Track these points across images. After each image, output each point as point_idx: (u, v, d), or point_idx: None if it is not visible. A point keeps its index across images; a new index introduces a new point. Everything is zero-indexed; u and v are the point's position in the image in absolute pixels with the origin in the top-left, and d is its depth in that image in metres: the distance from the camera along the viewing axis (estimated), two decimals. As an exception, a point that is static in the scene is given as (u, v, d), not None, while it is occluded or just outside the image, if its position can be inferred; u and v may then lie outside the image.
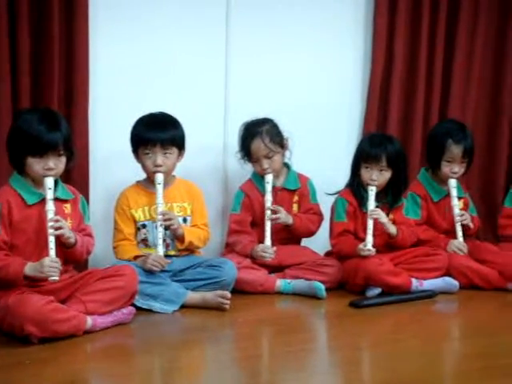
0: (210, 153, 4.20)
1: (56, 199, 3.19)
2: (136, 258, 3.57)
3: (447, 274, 3.88)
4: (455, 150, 4.04)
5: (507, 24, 4.59)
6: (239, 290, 3.68)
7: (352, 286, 3.79)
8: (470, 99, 4.58)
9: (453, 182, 4.05)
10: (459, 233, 4.02)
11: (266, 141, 3.89)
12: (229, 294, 3.49)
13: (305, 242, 4.08)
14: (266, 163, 3.90)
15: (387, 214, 3.86)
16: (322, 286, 3.68)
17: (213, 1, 4.14)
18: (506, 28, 4.60)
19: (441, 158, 4.05)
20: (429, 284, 3.82)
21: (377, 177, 3.83)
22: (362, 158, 3.88)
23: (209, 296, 3.49)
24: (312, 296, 3.70)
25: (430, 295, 3.78)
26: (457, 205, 4.05)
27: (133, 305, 3.32)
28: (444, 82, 4.53)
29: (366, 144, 3.93)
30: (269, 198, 3.85)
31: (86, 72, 3.80)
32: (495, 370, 2.90)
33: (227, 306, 3.47)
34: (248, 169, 4.03)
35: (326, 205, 4.05)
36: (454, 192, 4.05)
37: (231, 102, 4.20)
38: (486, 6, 4.54)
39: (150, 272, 3.48)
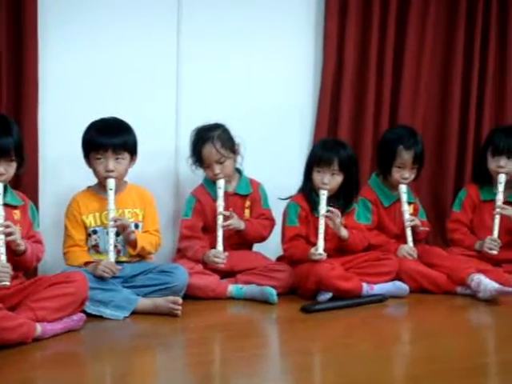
0: (161, 158, 4.19)
1: (5, 205, 3.16)
2: (87, 264, 3.54)
3: (397, 278, 3.92)
4: (406, 155, 4.08)
5: (456, 29, 4.65)
6: (191, 295, 3.67)
7: (303, 291, 3.81)
8: (419, 104, 4.64)
9: (403, 188, 4.10)
10: (409, 238, 4.07)
11: (217, 146, 3.89)
12: (180, 300, 3.47)
13: (256, 247, 4.09)
14: (217, 168, 3.90)
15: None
16: (274, 291, 3.69)
17: (163, 5, 4.13)
18: (455, 33, 4.66)
19: (392, 164, 4.10)
20: (379, 288, 3.86)
21: (328, 180, 3.85)
22: (315, 161, 3.90)
23: (160, 302, 3.47)
24: (264, 301, 3.71)
25: (381, 299, 3.81)
26: (407, 210, 4.10)
27: (83, 311, 3.29)
28: (394, 87, 4.58)
29: (318, 148, 3.97)
30: (220, 203, 3.85)
31: (36, 77, 3.76)
32: (445, 373, 2.93)
33: (179, 312, 3.45)
34: (200, 174, 4.03)
35: (277, 210, 4.06)
36: (404, 197, 4.10)
37: (183, 107, 4.19)
38: (435, 9, 4.60)
39: (100, 278, 3.45)
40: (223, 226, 3.82)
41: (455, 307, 3.84)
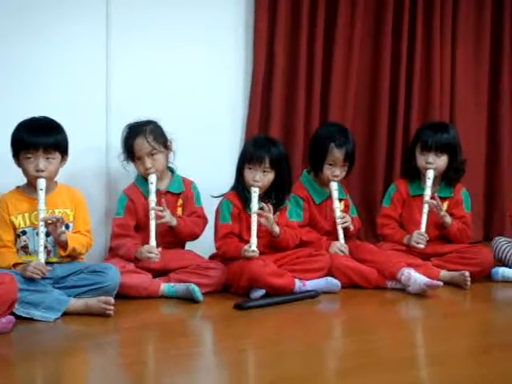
0: (92, 156, 4.15)
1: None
2: (16, 265, 3.48)
3: (329, 274, 3.96)
4: (337, 153, 4.12)
5: (384, 27, 4.72)
6: (123, 294, 3.63)
7: (236, 288, 3.81)
8: (348, 102, 4.69)
9: (334, 185, 4.14)
10: (341, 235, 4.11)
11: (149, 139, 3.89)
12: (112, 300, 3.45)
13: (189, 245, 4.08)
14: (148, 162, 3.88)
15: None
16: (198, 289, 3.68)
17: (92, 1, 4.08)
18: (383, 31, 4.72)
19: (323, 161, 4.13)
20: (312, 284, 3.89)
21: (260, 178, 3.87)
22: (246, 159, 3.91)
23: (92, 302, 3.44)
24: (191, 299, 3.69)
25: (313, 295, 3.84)
26: (338, 207, 4.15)
27: (12, 314, 3.23)
28: (324, 85, 4.63)
29: (249, 146, 3.98)
30: (153, 199, 3.83)
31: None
32: (376, 367, 2.98)
33: (111, 312, 3.43)
34: (132, 172, 4.00)
35: (210, 208, 4.06)
36: (335, 194, 4.14)
37: (113, 104, 4.15)
38: (363, 9, 4.65)
39: (30, 279, 3.40)
40: (155, 218, 3.79)
41: (386, 301, 3.90)
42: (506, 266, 4.20)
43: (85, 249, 3.68)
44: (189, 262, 3.89)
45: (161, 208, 3.84)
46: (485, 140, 5.08)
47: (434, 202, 4.13)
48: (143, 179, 3.94)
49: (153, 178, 3.87)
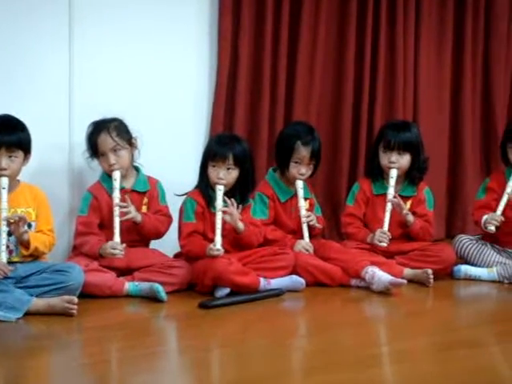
0: (55, 154, 4.11)
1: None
2: (-23, 265, 3.44)
3: (294, 272, 3.97)
4: (303, 151, 4.13)
5: (347, 27, 4.73)
6: (87, 293, 3.61)
7: (201, 287, 3.81)
8: (313, 101, 4.70)
9: (300, 184, 4.15)
10: (305, 233, 4.13)
11: (112, 134, 3.88)
12: (76, 299, 3.42)
13: (154, 244, 4.06)
14: (112, 158, 3.87)
15: (235, 214, 3.91)
16: (162, 288, 3.67)
17: (55, -2, 4.06)
18: (346, 31, 4.74)
19: (289, 159, 4.14)
20: (276, 283, 3.89)
21: (224, 176, 3.87)
22: (210, 156, 3.91)
23: (55, 302, 3.41)
24: (156, 298, 3.68)
25: (278, 293, 3.85)
26: (303, 206, 4.16)
27: (-26, 314, 3.20)
28: (288, 83, 4.63)
29: (213, 143, 3.98)
30: (116, 195, 3.81)
31: None
32: (340, 365, 3.00)
33: (74, 312, 3.40)
34: (96, 170, 3.98)
35: (174, 206, 4.05)
36: (300, 193, 4.15)
37: (76, 102, 4.11)
38: (327, 7, 4.67)
39: (-9, 279, 3.37)
40: (120, 214, 3.78)
41: (350, 299, 3.92)
42: (468, 263, 4.24)
43: (47, 248, 3.65)
44: (153, 260, 3.87)
45: (125, 204, 3.82)
46: (447, 139, 5.13)
47: (396, 200, 4.15)
48: (108, 177, 3.92)
49: (117, 175, 3.85)
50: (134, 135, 3.95)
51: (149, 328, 3.50)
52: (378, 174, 4.32)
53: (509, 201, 4.14)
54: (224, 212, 3.80)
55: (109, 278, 3.73)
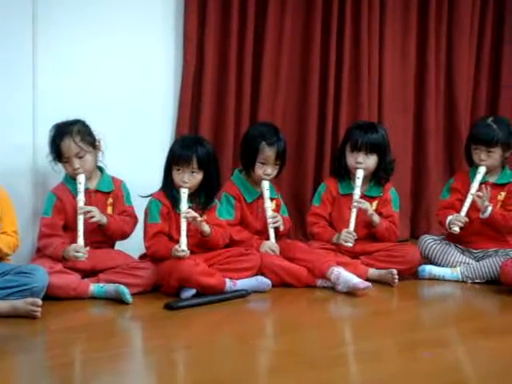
0: (19, 155, 4.07)
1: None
2: None
3: (260, 273, 3.97)
4: (268, 152, 4.14)
5: (312, 27, 4.74)
6: (51, 295, 3.58)
7: (167, 288, 3.80)
8: (278, 102, 4.71)
9: (266, 184, 4.16)
10: (272, 234, 4.13)
11: (76, 139, 3.84)
12: (40, 302, 3.39)
13: (119, 245, 4.04)
14: (77, 163, 3.84)
15: (200, 215, 3.90)
16: (127, 290, 3.65)
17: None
18: (312, 32, 4.75)
19: (255, 160, 4.14)
20: (242, 283, 3.89)
21: (188, 179, 3.86)
22: (174, 160, 3.90)
23: (18, 304, 3.38)
24: (120, 300, 3.66)
25: (244, 294, 3.85)
26: (269, 207, 4.16)
27: None
28: (253, 85, 4.64)
29: (177, 146, 3.96)
30: (81, 198, 3.79)
31: None
32: (305, 364, 3.01)
33: (38, 314, 3.37)
34: (60, 171, 3.94)
35: (140, 208, 4.03)
36: (266, 194, 4.16)
37: (40, 102, 4.08)
38: (291, 9, 4.68)
39: (-46, 281, 3.33)
40: (84, 218, 3.75)
41: (316, 300, 3.93)
42: (433, 263, 4.27)
43: (11, 250, 3.62)
44: (118, 262, 3.85)
45: (89, 208, 3.79)
46: (411, 139, 5.17)
47: (362, 201, 4.17)
48: (72, 178, 3.90)
49: (81, 178, 3.83)
50: (97, 137, 3.92)
51: (114, 329, 3.48)
52: (344, 174, 4.34)
53: (473, 202, 4.18)
54: (188, 216, 3.79)
55: (73, 280, 3.70)
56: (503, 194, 4.28)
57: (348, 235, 4.14)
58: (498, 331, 3.51)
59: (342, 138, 4.48)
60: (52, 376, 2.90)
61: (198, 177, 3.89)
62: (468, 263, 4.21)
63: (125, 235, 4.00)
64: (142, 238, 3.98)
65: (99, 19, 4.22)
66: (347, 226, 4.17)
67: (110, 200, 4.00)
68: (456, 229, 4.16)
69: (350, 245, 4.14)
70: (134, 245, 4.03)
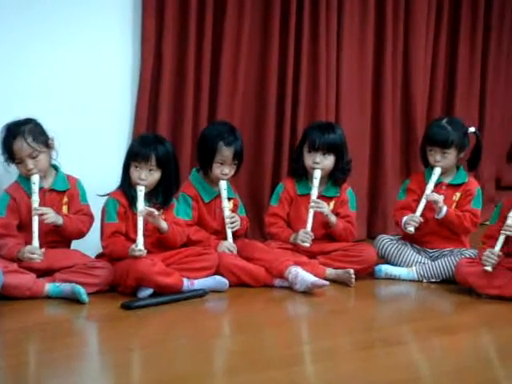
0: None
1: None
2: None
3: (217, 272, 3.97)
4: (226, 151, 4.13)
5: (270, 27, 4.73)
6: (6, 295, 3.53)
7: (124, 288, 3.77)
8: (236, 101, 4.69)
9: (223, 184, 4.15)
10: (229, 234, 4.12)
11: (28, 140, 3.79)
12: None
13: (75, 244, 4.00)
14: (30, 163, 3.80)
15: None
16: (83, 290, 3.62)
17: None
18: (270, 32, 4.73)
19: (212, 160, 4.14)
20: (200, 283, 3.88)
21: (146, 176, 3.84)
22: (132, 157, 3.88)
23: (-28, 304, 3.34)
24: (76, 299, 3.63)
25: (201, 294, 3.84)
26: (227, 206, 4.16)
27: None
28: (212, 85, 4.62)
29: (136, 144, 3.95)
30: (35, 199, 3.75)
31: None
32: (263, 364, 3.02)
33: (-8, 314, 3.34)
34: (14, 170, 3.89)
35: (97, 207, 3.99)
36: (224, 194, 4.15)
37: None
38: (250, 8, 4.67)
39: None
40: (39, 218, 3.71)
41: (273, 299, 3.93)
42: (389, 263, 4.31)
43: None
44: (74, 261, 3.82)
45: (44, 210, 3.75)
46: (368, 140, 5.19)
47: (320, 201, 4.19)
48: (26, 178, 3.85)
49: (35, 178, 3.79)
50: (50, 136, 3.87)
51: (69, 329, 3.45)
52: (302, 175, 4.35)
53: (428, 202, 4.22)
54: (145, 214, 3.77)
55: (28, 280, 3.66)
56: (458, 194, 4.33)
57: (305, 235, 4.15)
58: (453, 330, 3.56)
59: (299, 138, 4.49)
60: (5, 377, 2.86)
61: (156, 175, 3.88)
62: (424, 263, 4.26)
63: (81, 234, 3.96)
64: (98, 238, 3.95)
65: (54, 17, 4.16)
66: (305, 226, 4.18)
67: (65, 199, 3.96)
68: (411, 229, 4.20)
69: (307, 245, 4.15)
70: (90, 244, 4.00)
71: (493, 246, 3.87)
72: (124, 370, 2.97)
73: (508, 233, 3.83)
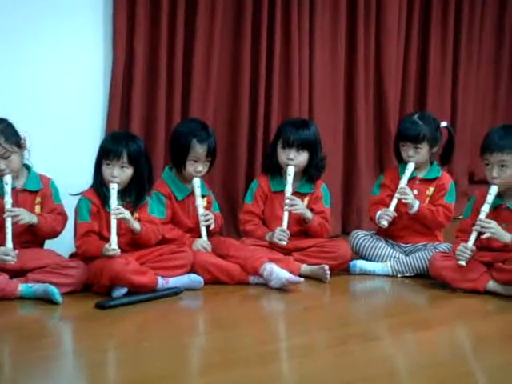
0: None
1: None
2: None
3: (192, 270, 3.95)
4: (200, 149, 4.12)
5: (243, 23, 4.73)
6: (-22, 297, 3.51)
7: (98, 287, 3.75)
8: (209, 99, 4.69)
9: (197, 181, 4.14)
10: (203, 232, 4.11)
11: (0, 141, 3.75)
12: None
13: (48, 244, 3.97)
14: (2, 164, 3.76)
15: (132, 213, 3.86)
16: (56, 290, 3.60)
17: None
18: (242, 27, 4.73)
19: (186, 158, 4.12)
20: (174, 281, 3.87)
21: (118, 174, 3.82)
22: (104, 154, 3.86)
23: None
24: (50, 300, 3.60)
25: (176, 292, 3.83)
26: (201, 204, 4.14)
27: None
28: (184, 82, 4.61)
29: (107, 141, 3.93)
30: (8, 200, 3.71)
31: None
32: (239, 361, 3.02)
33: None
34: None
35: (70, 206, 3.96)
36: (198, 191, 4.14)
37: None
38: (222, 5, 4.66)
39: None
40: (13, 220, 3.67)
41: (248, 297, 3.93)
42: (364, 258, 4.32)
43: None
44: (48, 261, 3.78)
45: (17, 212, 3.71)
46: (342, 136, 5.20)
47: (294, 198, 4.19)
48: (-2, 178, 3.81)
49: (8, 179, 3.75)
50: (22, 135, 3.83)
51: (43, 330, 3.42)
52: (276, 171, 4.35)
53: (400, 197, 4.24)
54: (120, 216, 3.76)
55: (1, 281, 3.62)
56: (431, 189, 4.36)
57: (282, 233, 4.15)
58: (428, 324, 3.58)
59: (273, 135, 4.49)
60: (-22, 379, 2.84)
61: (128, 172, 3.85)
62: (398, 257, 4.27)
63: (56, 234, 3.93)
64: (72, 238, 3.92)
65: (25, 15, 4.14)
66: (280, 224, 4.17)
67: (38, 199, 3.92)
68: (384, 223, 4.21)
69: (285, 243, 4.15)
70: (64, 244, 3.97)
71: (466, 241, 3.90)
72: (99, 370, 2.95)
73: (481, 228, 3.86)
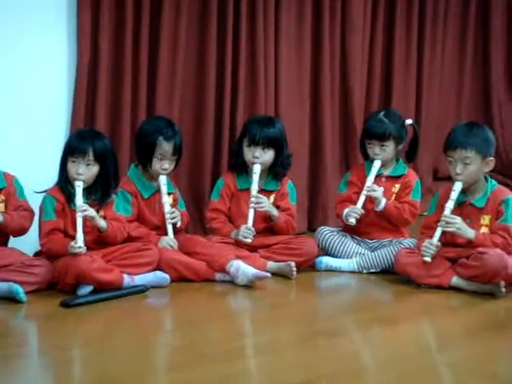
0: None
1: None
2: None
3: (158, 268, 3.94)
4: (166, 146, 4.10)
5: (208, 21, 4.70)
6: None
7: (63, 286, 3.72)
8: (175, 96, 4.67)
9: (163, 179, 4.12)
10: (170, 229, 4.11)
11: None
12: None
13: (12, 242, 3.93)
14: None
15: (97, 211, 3.84)
16: (21, 289, 3.56)
17: None
18: (208, 25, 4.71)
19: (152, 155, 4.11)
20: (140, 279, 3.85)
21: (83, 171, 3.79)
22: (69, 152, 3.83)
23: None
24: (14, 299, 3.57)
25: (142, 290, 3.81)
26: (167, 202, 4.13)
27: None
28: (150, 79, 4.59)
29: (73, 138, 3.90)
30: (-30, 199, 3.68)
31: None
32: (206, 358, 3.02)
33: None
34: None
35: (34, 204, 3.93)
36: (164, 189, 4.12)
37: None
38: (188, 2, 4.65)
39: None
40: None
41: (215, 294, 3.93)
42: (330, 255, 4.33)
43: None
44: (12, 259, 3.74)
45: None
46: (308, 133, 5.21)
47: (260, 196, 4.19)
48: (-39, 176, 3.77)
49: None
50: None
51: (8, 329, 3.39)
52: (242, 169, 4.35)
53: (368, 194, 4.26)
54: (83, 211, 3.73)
55: (-36, 280, 3.59)
56: (397, 186, 4.39)
57: (247, 231, 4.15)
58: (394, 319, 3.60)
59: (239, 132, 4.49)
60: None
61: (94, 169, 3.83)
62: (364, 254, 4.29)
63: (24, 230, 3.88)
64: (36, 236, 3.88)
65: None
66: (246, 221, 4.18)
67: (2, 197, 3.88)
68: (352, 220, 4.24)
69: (250, 241, 4.15)
70: (28, 242, 3.93)
71: (431, 237, 3.94)
72: (64, 368, 2.93)
73: (446, 224, 3.89)
